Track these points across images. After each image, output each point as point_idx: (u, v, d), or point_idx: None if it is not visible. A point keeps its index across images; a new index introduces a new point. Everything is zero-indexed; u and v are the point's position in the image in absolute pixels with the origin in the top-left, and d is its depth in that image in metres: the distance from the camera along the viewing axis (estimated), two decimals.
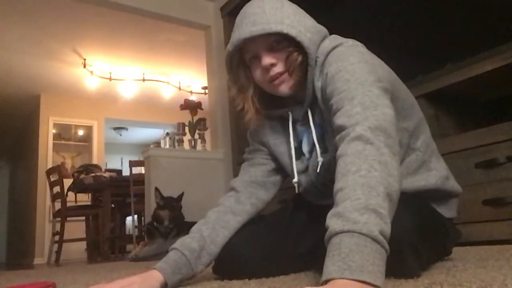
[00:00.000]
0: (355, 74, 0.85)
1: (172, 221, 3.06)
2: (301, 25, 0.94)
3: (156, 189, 3.14)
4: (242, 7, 1.00)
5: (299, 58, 0.94)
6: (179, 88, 6.10)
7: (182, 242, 0.97)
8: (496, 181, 1.62)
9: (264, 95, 1.04)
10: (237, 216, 1.06)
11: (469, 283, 0.66)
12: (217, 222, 1.03)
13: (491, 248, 1.34)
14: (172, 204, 3.10)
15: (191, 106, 3.92)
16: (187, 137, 3.82)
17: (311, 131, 1.00)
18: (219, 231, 1.02)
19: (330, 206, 0.69)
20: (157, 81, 5.91)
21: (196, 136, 3.82)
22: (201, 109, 3.96)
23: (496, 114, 1.79)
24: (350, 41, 0.95)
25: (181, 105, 3.99)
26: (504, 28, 1.75)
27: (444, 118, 1.94)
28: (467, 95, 1.97)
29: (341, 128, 0.79)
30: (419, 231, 0.81)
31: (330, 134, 0.96)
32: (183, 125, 3.83)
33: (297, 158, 1.05)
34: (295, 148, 1.04)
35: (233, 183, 1.12)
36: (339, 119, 0.81)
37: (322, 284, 0.59)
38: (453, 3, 1.99)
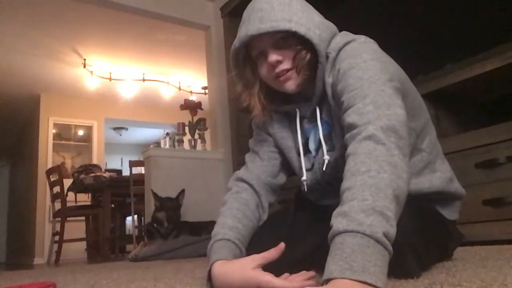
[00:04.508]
0: (368, 72, 0.83)
1: (170, 222, 3.04)
2: (310, 22, 0.92)
3: (152, 191, 3.13)
4: (242, 7, 0.99)
5: (308, 56, 0.92)
6: (179, 88, 6.10)
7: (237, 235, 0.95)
8: (496, 181, 1.62)
9: (271, 91, 1.02)
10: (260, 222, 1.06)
11: (469, 283, 0.66)
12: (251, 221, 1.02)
13: (491, 248, 1.34)
14: (167, 205, 3.08)
15: (191, 106, 3.92)
16: (187, 137, 3.82)
17: (318, 128, 0.98)
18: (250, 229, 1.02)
19: (332, 206, 0.69)
20: (157, 81, 5.91)
21: (196, 136, 3.82)
22: (201, 109, 3.97)
23: (496, 114, 1.79)
24: (363, 38, 0.93)
25: (181, 105, 3.99)
26: (504, 28, 1.75)
27: (444, 118, 1.93)
28: (467, 95, 1.97)
29: (352, 126, 0.78)
30: (420, 232, 0.81)
31: (338, 132, 0.95)
32: (183, 125, 3.82)
33: (303, 155, 1.04)
34: (302, 145, 1.03)
35: (247, 178, 1.06)
36: (350, 117, 0.80)
37: (322, 284, 0.59)
38: (454, 3, 1.99)
